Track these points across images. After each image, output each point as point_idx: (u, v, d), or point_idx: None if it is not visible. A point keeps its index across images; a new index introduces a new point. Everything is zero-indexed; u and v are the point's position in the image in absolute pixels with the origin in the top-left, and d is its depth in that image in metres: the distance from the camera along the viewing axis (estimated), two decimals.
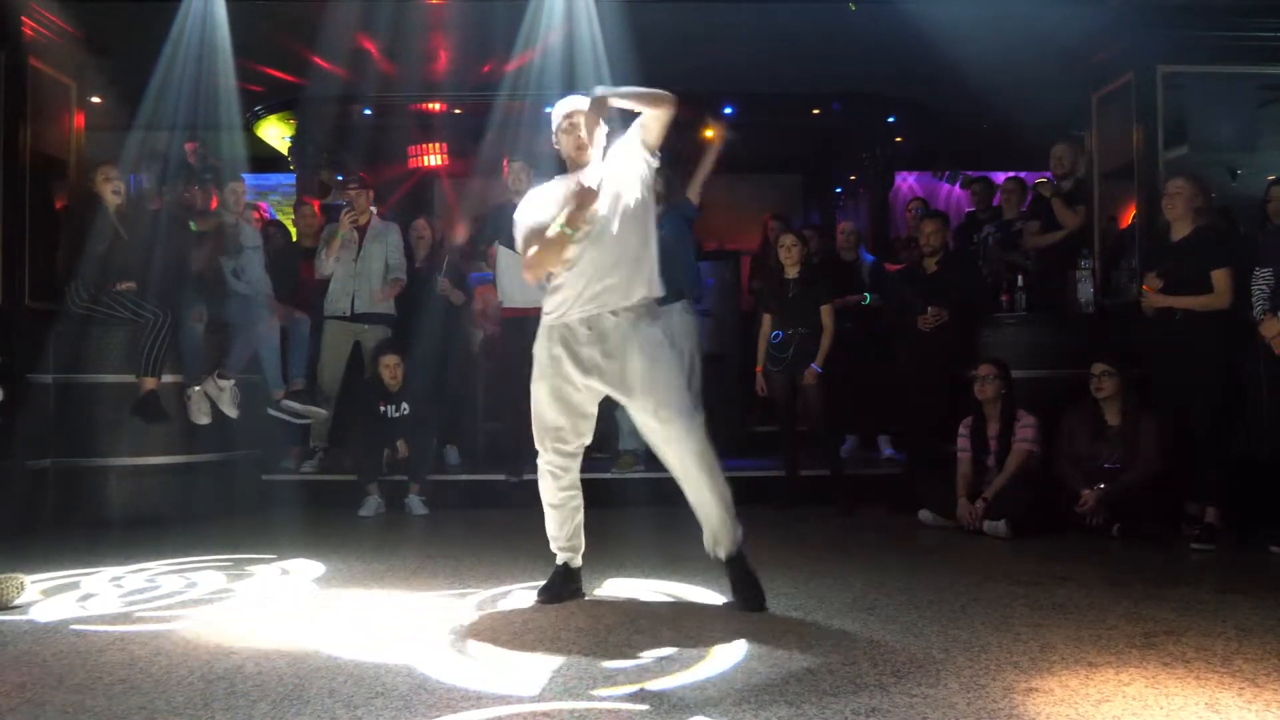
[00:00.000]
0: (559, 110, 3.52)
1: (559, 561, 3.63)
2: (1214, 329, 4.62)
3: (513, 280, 5.84)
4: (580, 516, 3.61)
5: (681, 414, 3.30)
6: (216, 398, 5.63)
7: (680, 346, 6.09)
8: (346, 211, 6.23)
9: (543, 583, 3.62)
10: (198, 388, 5.49)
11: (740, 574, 3.43)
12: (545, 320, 3.44)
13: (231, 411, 5.68)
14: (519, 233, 3.46)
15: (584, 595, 3.62)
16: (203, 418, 5.49)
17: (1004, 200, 6.90)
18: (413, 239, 6.65)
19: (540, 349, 3.43)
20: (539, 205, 3.45)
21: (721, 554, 3.45)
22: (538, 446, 3.48)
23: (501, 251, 5.96)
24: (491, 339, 6.67)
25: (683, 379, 3.49)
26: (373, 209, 6.52)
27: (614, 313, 3.32)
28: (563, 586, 3.57)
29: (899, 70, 7.63)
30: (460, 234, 7.12)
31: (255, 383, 6.01)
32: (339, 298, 6.26)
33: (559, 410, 3.40)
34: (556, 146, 3.55)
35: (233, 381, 5.69)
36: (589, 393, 3.40)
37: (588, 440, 3.53)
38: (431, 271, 6.50)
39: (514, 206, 5.79)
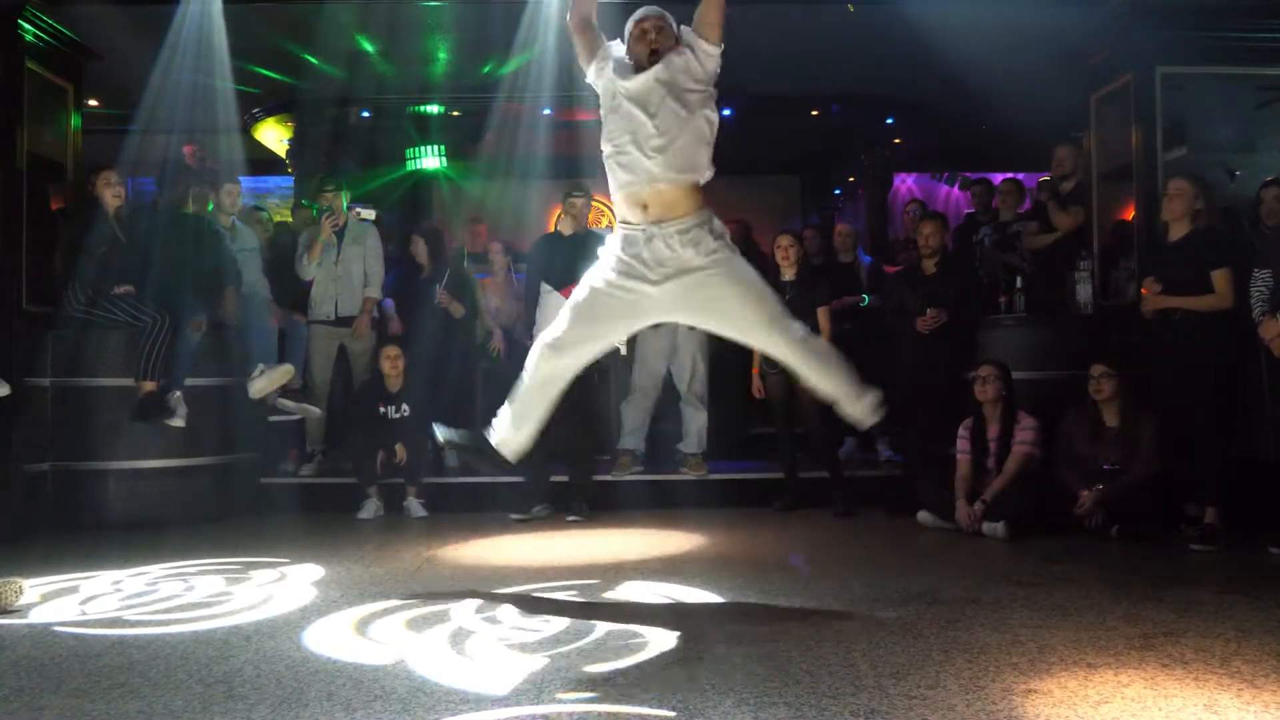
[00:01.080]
0: (633, 18, 3.42)
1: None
2: (1212, 329, 4.61)
3: (548, 317, 5.90)
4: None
5: (785, 330, 3.33)
6: (270, 383, 5.75)
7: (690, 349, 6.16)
8: (327, 215, 6.21)
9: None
10: (178, 392, 5.46)
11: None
12: (621, 230, 3.35)
13: (284, 379, 5.83)
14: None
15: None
16: (179, 421, 5.44)
17: (1000, 202, 6.90)
18: (415, 254, 6.57)
19: (610, 255, 3.34)
20: (600, 64, 3.38)
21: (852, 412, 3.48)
22: (549, 345, 3.38)
23: (543, 287, 6.03)
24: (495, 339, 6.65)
25: (768, 296, 3.37)
26: (358, 210, 6.48)
27: (683, 231, 3.25)
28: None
29: (897, 71, 7.64)
30: (481, 243, 7.10)
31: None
32: (321, 302, 6.25)
33: (602, 318, 3.34)
34: (626, 56, 3.41)
35: (260, 365, 5.76)
36: (649, 309, 3.34)
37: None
38: (433, 284, 6.48)
39: (560, 238, 6.05)
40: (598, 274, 3.35)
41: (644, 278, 3.25)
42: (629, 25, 3.40)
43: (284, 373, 5.85)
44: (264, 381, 5.76)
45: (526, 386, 3.47)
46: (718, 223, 3.32)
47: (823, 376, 3.41)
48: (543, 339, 3.43)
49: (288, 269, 6.47)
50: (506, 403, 3.57)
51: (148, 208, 6.00)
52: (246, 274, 6.19)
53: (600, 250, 3.54)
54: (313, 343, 6.31)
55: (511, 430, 3.58)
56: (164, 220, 5.80)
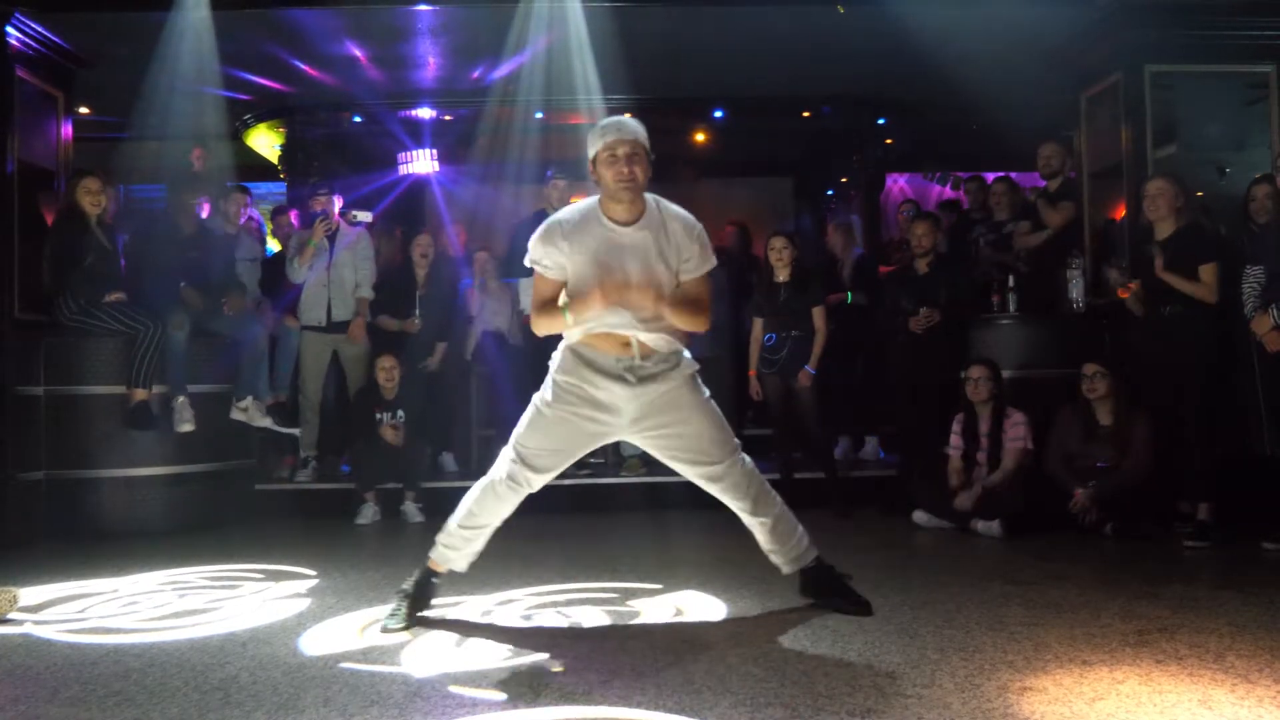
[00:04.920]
0: (603, 133, 2.94)
1: (449, 569, 3.34)
2: (1203, 327, 4.64)
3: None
4: None
5: (722, 462, 3.19)
6: (249, 420, 5.77)
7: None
8: (321, 220, 6.19)
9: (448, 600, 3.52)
10: (183, 397, 5.46)
11: (826, 582, 3.38)
12: (570, 344, 3.11)
13: (264, 422, 5.84)
14: (534, 289, 3.12)
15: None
16: (186, 425, 5.44)
17: (995, 202, 6.90)
18: (415, 256, 6.50)
19: (563, 374, 3.09)
20: (556, 251, 3.00)
21: (785, 570, 3.37)
22: (516, 463, 3.14)
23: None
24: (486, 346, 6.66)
25: (719, 422, 3.21)
26: (354, 214, 6.47)
27: (645, 358, 3.05)
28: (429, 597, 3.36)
29: (889, 72, 7.65)
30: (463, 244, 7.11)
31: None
32: (313, 307, 6.21)
33: (570, 440, 3.13)
34: (591, 176, 2.99)
35: (250, 398, 5.76)
36: (608, 427, 3.13)
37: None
38: (433, 289, 6.48)
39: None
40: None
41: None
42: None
43: (261, 419, 5.87)
44: (243, 416, 5.79)
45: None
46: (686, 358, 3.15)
47: (763, 515, 3.26)
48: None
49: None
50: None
51: (143, 214, 6.00)
52: (247, 283, 6.20)
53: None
54: (305, 348, 6.29)
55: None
56: (160, 224, 5.80)
